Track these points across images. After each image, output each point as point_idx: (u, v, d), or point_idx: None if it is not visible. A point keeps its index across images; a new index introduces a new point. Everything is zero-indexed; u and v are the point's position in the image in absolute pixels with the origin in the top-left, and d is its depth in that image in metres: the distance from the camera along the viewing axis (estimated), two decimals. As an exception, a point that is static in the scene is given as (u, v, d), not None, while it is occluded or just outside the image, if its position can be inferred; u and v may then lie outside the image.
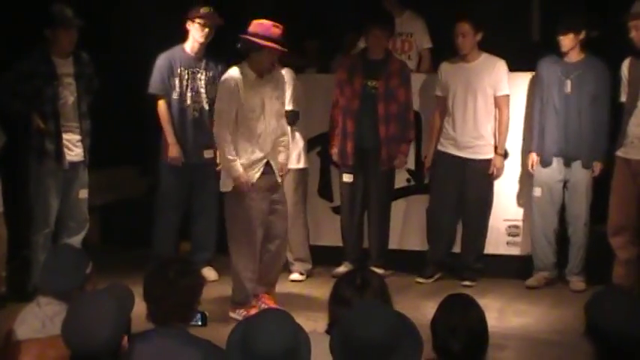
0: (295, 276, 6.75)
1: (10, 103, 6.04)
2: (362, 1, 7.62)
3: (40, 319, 3.52)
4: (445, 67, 6.67)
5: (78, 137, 6.21)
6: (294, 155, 6.57)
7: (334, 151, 6.79)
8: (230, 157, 5.68)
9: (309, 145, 6.94)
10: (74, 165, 6.21)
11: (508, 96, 6.54)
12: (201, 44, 6.57)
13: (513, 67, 6.67)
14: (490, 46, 6.64)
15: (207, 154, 6.52)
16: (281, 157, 5.91)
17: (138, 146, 6.78)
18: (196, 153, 6.59)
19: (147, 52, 6.73)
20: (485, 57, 6.56)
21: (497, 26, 7.25)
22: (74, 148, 6.20)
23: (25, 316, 3.59)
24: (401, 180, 7.00)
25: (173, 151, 6.57)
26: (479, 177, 6.56)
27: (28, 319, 3.57)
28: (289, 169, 6.27)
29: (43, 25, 6.05)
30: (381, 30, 6.63)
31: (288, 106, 6.35)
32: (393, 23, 6.81)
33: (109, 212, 7.86)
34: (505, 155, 6.71)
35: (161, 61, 6.61)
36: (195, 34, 6.55)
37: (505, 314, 5.94)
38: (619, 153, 6.16)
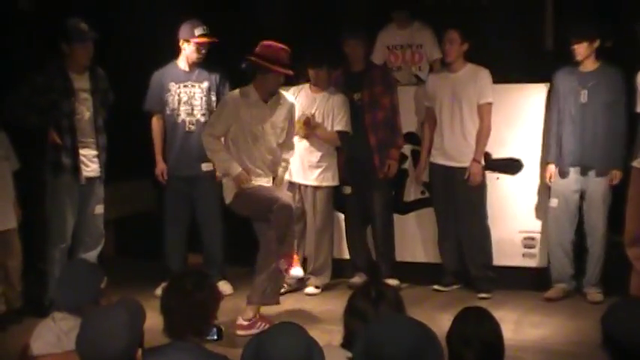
0: (310, 289, 6.73)
1: (26, 116, 6.01)
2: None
3: (55, 334, 3.53)
4: (432, 78, 6.73)
5: (94, 152, 6.22)
6: (330, 173, 6.65)
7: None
8: (223, 158, 5.76)
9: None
10: (90, 180, 6.21)
11: (490, 104, 6.49)
12: (194, 63, 6.59)
13: (527, 78, 6.65)
14: (504, 56, 6.62)
15: (206, 167, 6.54)
16: (279, 172, 6.00)
17: (151, 159, 6.81)
18: (191, 166, 6.60)
19: (158, 66, 6.75)
20: (469, 67, 6.55)
21: (511, 36, 7.24)
22: (90, 164, 6.20)
23: (40, 331, 3.61)
24: (415, 192, 6.99)
25: (157, 167, 6.71)
26: (469, 185, 6.52)
27: (43, 334, 3.58)
28: (323, 186, 6.50)
29: (57, 39, 6.07)
30: (354, 39, 6.68)
31: (344, 127, 6.52)
32: (365, 32, 6.83)
33: (124, 225, 7.89)
34: (519, 166, 6.70)
35: (153, 78, 6.69)
36: (191, 55, 6.56)
37: (521, 326, 5.90)
38: (635, 164, 6.12)
